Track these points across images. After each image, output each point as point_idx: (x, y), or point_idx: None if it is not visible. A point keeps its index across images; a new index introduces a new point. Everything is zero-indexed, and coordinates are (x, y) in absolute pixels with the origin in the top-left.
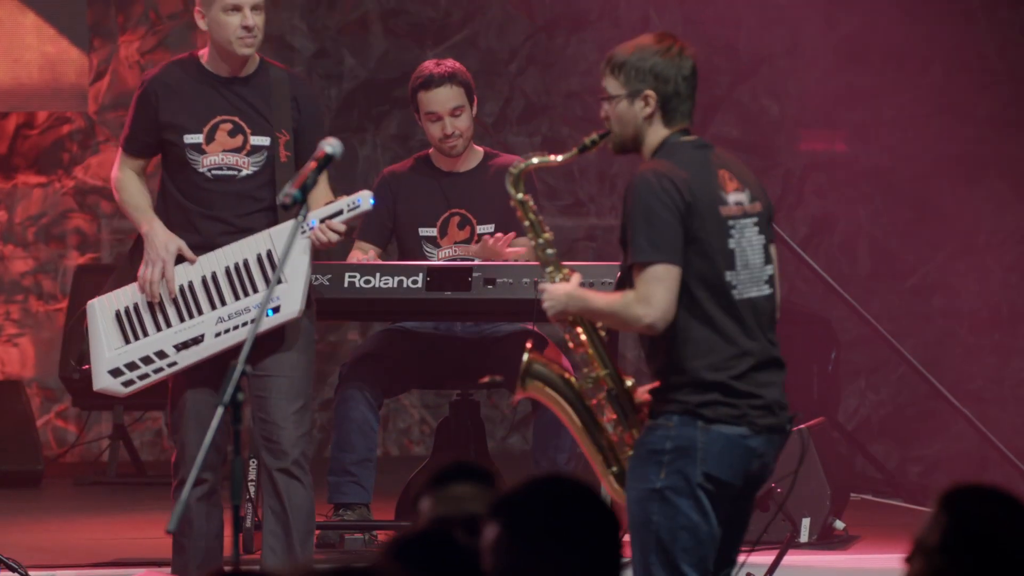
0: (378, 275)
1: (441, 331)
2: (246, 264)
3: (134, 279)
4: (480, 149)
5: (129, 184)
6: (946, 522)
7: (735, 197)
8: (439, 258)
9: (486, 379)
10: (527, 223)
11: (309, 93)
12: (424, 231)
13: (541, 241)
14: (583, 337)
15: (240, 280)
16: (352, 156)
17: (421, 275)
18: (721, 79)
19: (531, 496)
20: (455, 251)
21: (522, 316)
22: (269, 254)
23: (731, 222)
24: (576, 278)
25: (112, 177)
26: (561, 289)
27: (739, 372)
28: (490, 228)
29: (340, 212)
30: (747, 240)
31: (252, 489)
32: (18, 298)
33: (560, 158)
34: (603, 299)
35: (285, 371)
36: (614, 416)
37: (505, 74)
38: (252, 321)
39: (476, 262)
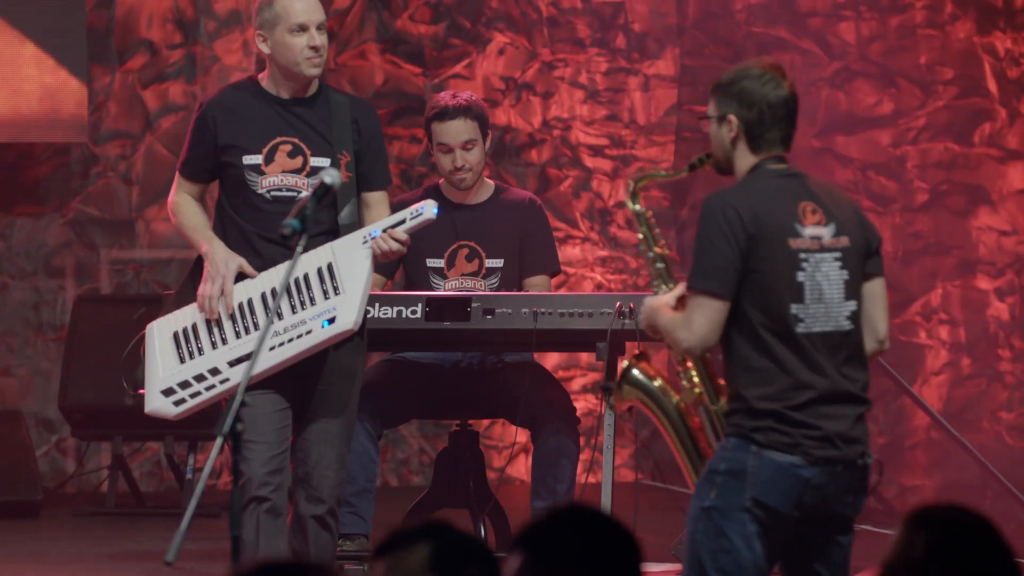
0: (377, 305)
1: (441, 361)
2: (306, 278)
3: (193, 300)
4: (491, 182)
5: (186, 206)
6: (919, 537)
7: (813, 231)
8: (446, 290)
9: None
10: (640, 235)
11: (370, 116)
12: (431, 262)
13: (652, 255)
14: None
15: (299, 293)
16: None
17: (420, 305)
18: None
19: (553, 525)
20: (462, 283)
21: (521, 346)
22: (330, 267)
23: (803, 255)
24: (678, 289)
25: (169, 201)
26: (648, 301)
27: (797, 403)
28: (499, 262)
29: (403, 221)
30: (822, 274)
31: None
32: (17, 329)
33: (671, 173)
34: (666, 316)
35: (328, 414)
36: (708, 432)
37: (503, 104)
38: (307, 333)
39: (477, 292)
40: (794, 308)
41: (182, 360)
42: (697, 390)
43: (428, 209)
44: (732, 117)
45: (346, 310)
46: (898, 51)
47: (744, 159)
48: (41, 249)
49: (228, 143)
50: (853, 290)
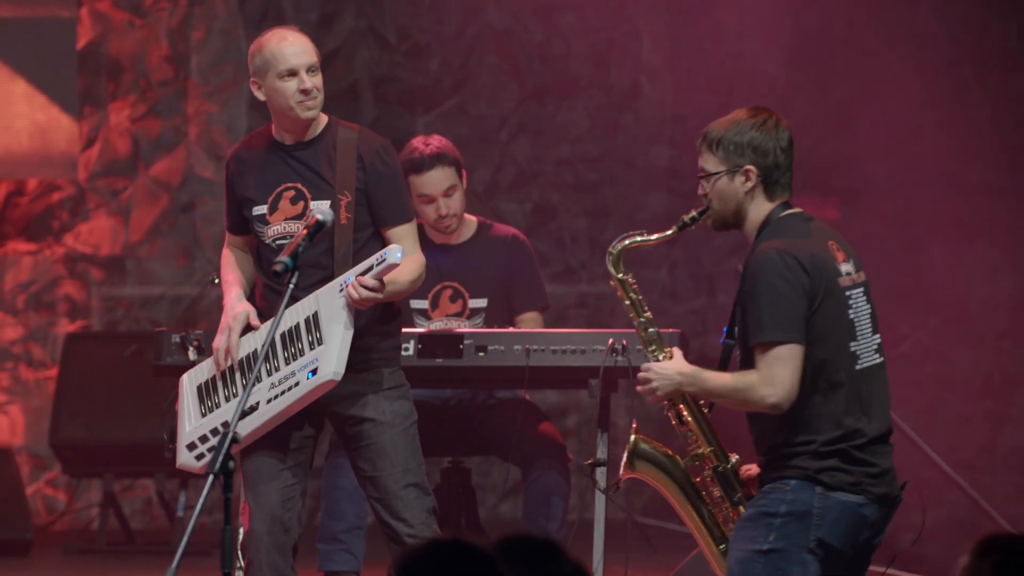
0: None
1: (432, 398)
2: (296, 328)
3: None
4: (473, 219)
5: (226, 260)
6: (986, 563)
7: (845, 267)
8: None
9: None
10: (627, 302)
11: (376, 149)
12: (416, 303)
13: (643, 320)
14: (686, 415)
15: (291, 345)
16: None
17: (412, 342)
18: None
19: (429, 555)
20: (446, 323)
21: (513, 383)
22: (315, 316)
23: (847, 292)
24: (679, 354)
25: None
26: (673, 368)
27: (859, 443)
28: (482, 302)
29: (370, 268)
30: (860, 309)
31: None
32: (8, 365)
33: (656, 237)
34: (721, 379)
35: (386, 469)
36: (718, 493)
37: (496, 141)
38: (295, 386)
39: (468, 329)
40: (852, 346)
41: (203, 414)
42: (707, 448)
43: (391, 254)
44: (750, 167)
45: (326, 360)
46: (895, 88)
47: (760, 208)
48: (32, 286)
49: (242, 195)
50: (876, 323)
